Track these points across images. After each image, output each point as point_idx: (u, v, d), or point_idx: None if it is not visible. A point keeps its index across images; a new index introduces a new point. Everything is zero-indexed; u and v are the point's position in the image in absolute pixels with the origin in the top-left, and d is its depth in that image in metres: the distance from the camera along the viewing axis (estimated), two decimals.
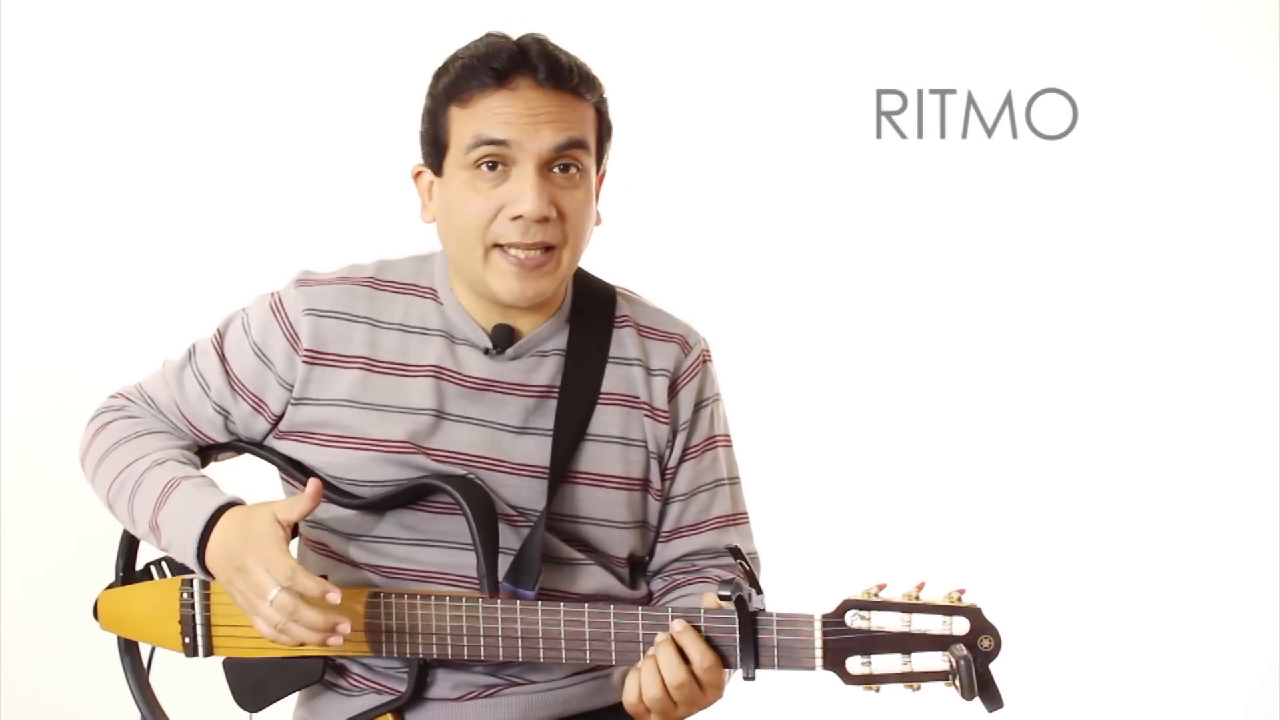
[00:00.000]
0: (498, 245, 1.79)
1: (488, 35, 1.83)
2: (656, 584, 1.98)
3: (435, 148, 1.84)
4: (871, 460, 3.50)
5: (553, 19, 2.00)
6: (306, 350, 1.86)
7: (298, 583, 1.69)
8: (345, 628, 1.71)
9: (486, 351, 1.86)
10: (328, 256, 2.02)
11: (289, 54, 3.36)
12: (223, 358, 1.92)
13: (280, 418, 1.90)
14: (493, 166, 1.78)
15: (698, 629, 1.68)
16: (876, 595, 1.64)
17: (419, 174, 1.90)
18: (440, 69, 1.85)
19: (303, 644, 1.73)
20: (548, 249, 1.80)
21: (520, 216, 1.76)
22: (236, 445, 1.96)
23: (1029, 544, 3.45)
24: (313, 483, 1.74)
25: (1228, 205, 3.47)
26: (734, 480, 2.01)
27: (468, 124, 1.79)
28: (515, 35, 1.84)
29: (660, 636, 1.69)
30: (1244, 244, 3.48)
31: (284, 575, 1.69)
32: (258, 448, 1.94)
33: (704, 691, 1.70)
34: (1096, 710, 3.47)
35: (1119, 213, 3.49)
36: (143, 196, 3.34)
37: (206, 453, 1.97)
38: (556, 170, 1.79)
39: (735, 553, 1.73)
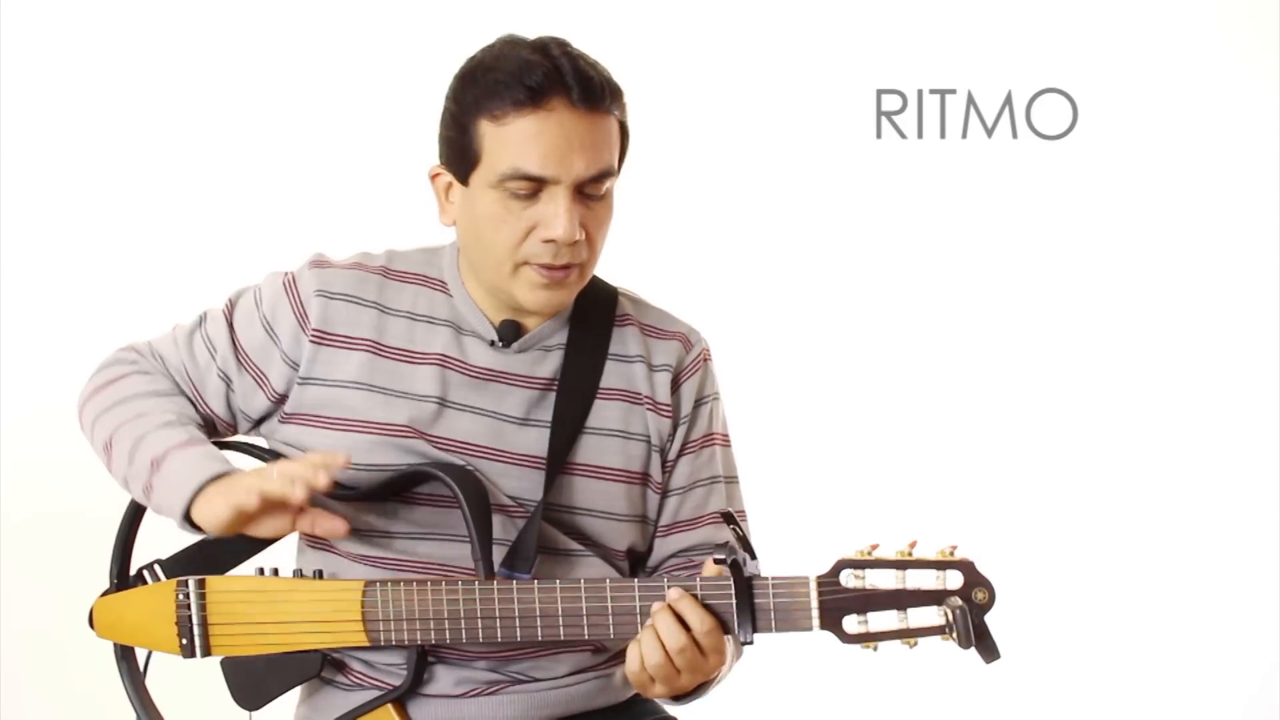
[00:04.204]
0: (526, 262, 1.81)
1: (510, 43, 1.83)
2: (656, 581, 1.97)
3: (462, 158, 1.83)
4: (871, 457, 3.49)
5: (551, 19, 2.01)
6: (314, 330, 1.88)
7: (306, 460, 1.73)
8: (324, 478, 1.71)
9: (492, 343, 1.88)
10: (333, 251, 2.02)
11: (294, 52, 3.37)
12: (231, 326, 1.93)
13: (283, 397, 1.90)
14: (525, 191, 1.79)
15: (694, 596, 1.68)
16: (870, 554, 1.64)
17: (437, 175, 1.90)
18: (466, 76, 1.84)
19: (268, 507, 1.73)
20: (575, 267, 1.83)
21: (552, 240, 1.78)
22: (237, 444, 1.97)
23: (1027, 546, 3.42)
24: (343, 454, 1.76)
25: (1228, 205, 3.47)
26: (731, 479, 2.02)
27: (501, 148, 1.79)
28: (528, 37, 1.83)
29: (656, 605, 1.69)
30: (1244, 244, 3.48)
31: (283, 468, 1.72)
32: (258, 450, 1.95)
33: (706, 656, 1.69)
34: (1096, 709, 3.46)
35: (1119, 213, 3.49)
36: (146, 195, 3.34)
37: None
38: (586, 190, 1.81)
39: (728, 518, 1.73)
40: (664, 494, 1.96)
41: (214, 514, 1.75)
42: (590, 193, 1.81)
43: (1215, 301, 3.48)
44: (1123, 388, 3.49)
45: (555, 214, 1.77)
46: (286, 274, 1.94)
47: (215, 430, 1.97)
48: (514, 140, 1.78)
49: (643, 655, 1.70)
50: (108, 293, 3.32)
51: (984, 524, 3.42)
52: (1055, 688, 3.43)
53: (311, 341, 1.88)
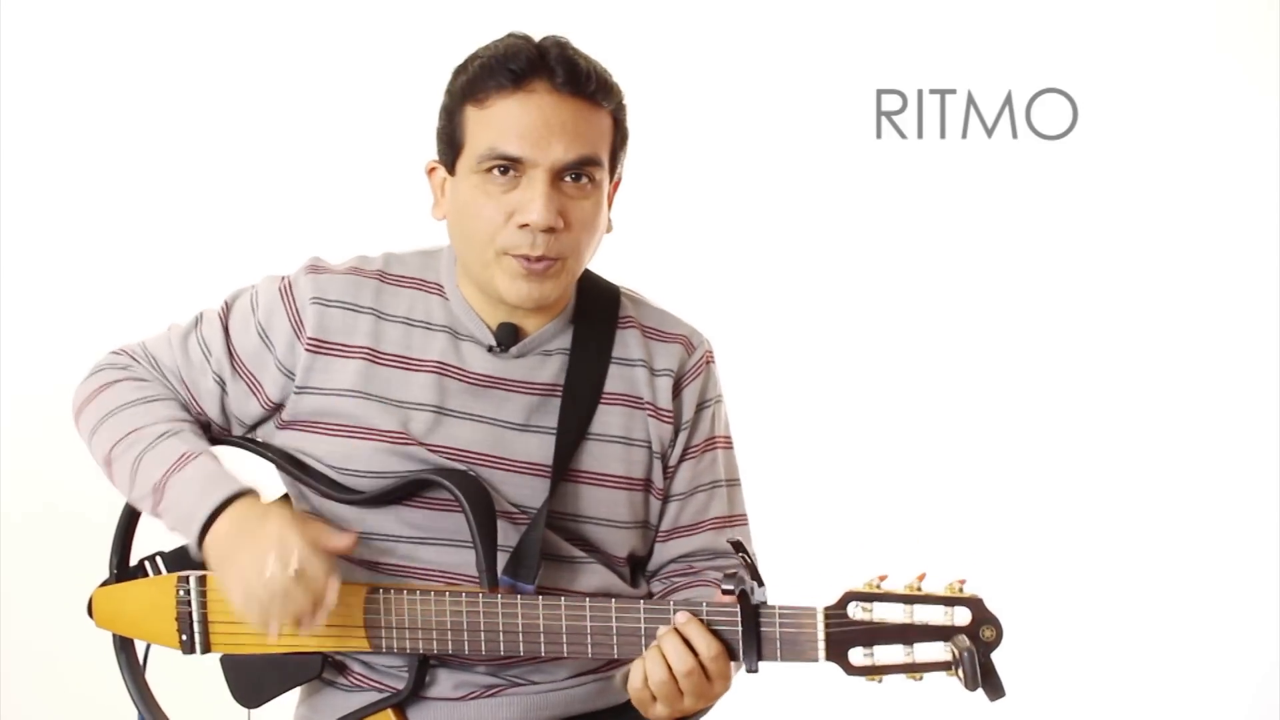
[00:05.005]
0: (505, 252, 1.80)
1: (509, 35, 1.83)
2: (655, 586, 1.98)
3: (450, 146, 1.84)
4: (872, 456, 3.50)
5: (551, 19, 2.00)
6: (310, 339, 1.87)
7: (309, 563, 1.70)
8: (320, 618, 1.72)
9: (490, 349, 1.87)
10: (332, 256, 2.01)
11: (293, 51, 3.37)
12: (226, 331, 1.92)
13: (278, 405, 1.90)
14: (504, 171, 1.78)
15: (702, 620, 1.69)
16: (878, 586, 1.64)
17: (433, 170, 1.90)
18: (460, 67, 1.85)
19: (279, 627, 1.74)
20: (554, 259, 1.81)
21: (528, 225, 1.77)
22: (236, 442, 1.96)
23: (1029, 546, 3.44)
24: (348, 536, 1.77)
25: (1228, 206, 3.47)
26: (733, 482, 2.01)
27: (482, 129, 1.79)
28: (534, 37, 1.83)
29: (663, 629, 1.69)
30: (1244, 244, 3.48)
31: (301, 558, 1.70)
32: (259, 445, 1.94)
33: (711, 682, 1.70)
34: (1096, 710, 3.47)
35: (1119, 213, 3.48)
36: (145, 196, 3.34)
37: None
38: (568, 179, 1.80)
39: (737, 546, 1.73)
40: (665, 499, 1.95)
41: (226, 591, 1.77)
42: (573, 182, 1.80)
43: (1215, 302, 3.48)
44: (1124, 388, 3.49)
45: (532, 199, 1.76)
46: (283, 279, 1.92)
47: (210, 430, 1.96)
48: (494, 121, 1.78)
49: (647, 673, 1.70)
50: (107, 286, 3.32)
51: (983, 520, 3.44)
52: (1056, 687, 3.44)
53: (307, 350, 1.87)
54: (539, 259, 1.79)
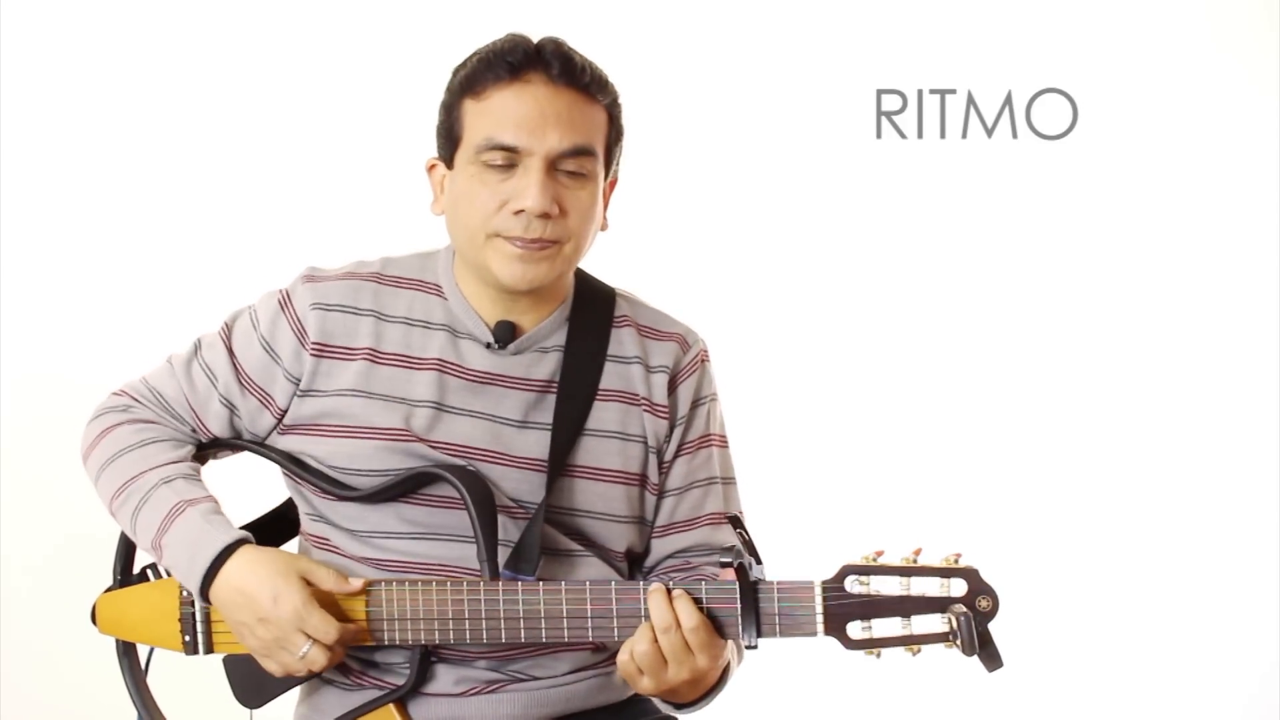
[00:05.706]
0: (498, 234, 1.81)
1: (509, 34, 1.86)
2: (653, 582, 1.98)
3: (449, 141, 1.87)
4: (871, 456, 3.49)
5: (552, 19, 2.01)
6: (314, 344, 1.88)
7: (343, 640, 1.78)
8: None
9: (489, 346, 1.88)
10: (330, 256, 2.02)
11: (291, 52, 3.37)
12: (230, 352, 1.93)
13: (286, 413, 1.91)
14: (501, 161, 1.80)
15: (695, 599, 1.69)
16: (875, 561, 1.65)
17: (433, 167, 1.92)
18: (459, 64, 1.88)
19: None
20: (550, 242, 1.82)
21: (523, 211, 1.79)
22: (236, 444, 1.96)
23: (1027, 547, 3.43)
24: (356, 581, 1.81)
25: (1228, 205, 3.48)
26: (728, 480, 2.02)
27: (479, 121, 1.81)
28: (532, 37, 1.86)
29: (653, 586, 1.71)
30: (1244, 244, 3.48)
31: (325, 634, 1.76)
32: (259, 446, 1.95)
33: (693, 653, 1.70)
34: (1096, 709, 3.46)
35: (1119, 213, 3.49)
36: (145, 196, 3.34)
37: (206, 450, 1.97)
38: (563, 169, 1.81)
39: (735, 521, 1.74)
40: (660, 494, 1.96)
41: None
42: (568, 171, 1.82)
43: (1215, 301, 3.48)
44: (1123, 387, 3.50)
45: (527, 186, 1.78)
46: (280, 292, 1.94)
47: (219, 443, 1.98)
48: (491, 112, 1.80)
49: (633, 645, 1.71)
50: (109, 289, 3.33)
51: (982, 520, 3.43)
52: (1056, 687, 3.44)
53: (312, 355, 1.88)
54: (534, 240, 1.80)
